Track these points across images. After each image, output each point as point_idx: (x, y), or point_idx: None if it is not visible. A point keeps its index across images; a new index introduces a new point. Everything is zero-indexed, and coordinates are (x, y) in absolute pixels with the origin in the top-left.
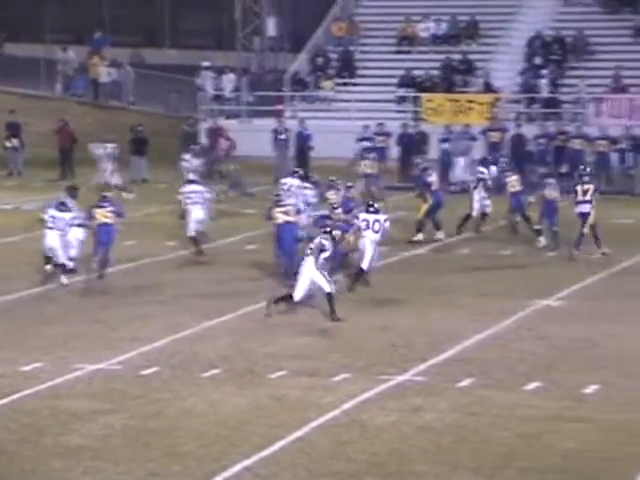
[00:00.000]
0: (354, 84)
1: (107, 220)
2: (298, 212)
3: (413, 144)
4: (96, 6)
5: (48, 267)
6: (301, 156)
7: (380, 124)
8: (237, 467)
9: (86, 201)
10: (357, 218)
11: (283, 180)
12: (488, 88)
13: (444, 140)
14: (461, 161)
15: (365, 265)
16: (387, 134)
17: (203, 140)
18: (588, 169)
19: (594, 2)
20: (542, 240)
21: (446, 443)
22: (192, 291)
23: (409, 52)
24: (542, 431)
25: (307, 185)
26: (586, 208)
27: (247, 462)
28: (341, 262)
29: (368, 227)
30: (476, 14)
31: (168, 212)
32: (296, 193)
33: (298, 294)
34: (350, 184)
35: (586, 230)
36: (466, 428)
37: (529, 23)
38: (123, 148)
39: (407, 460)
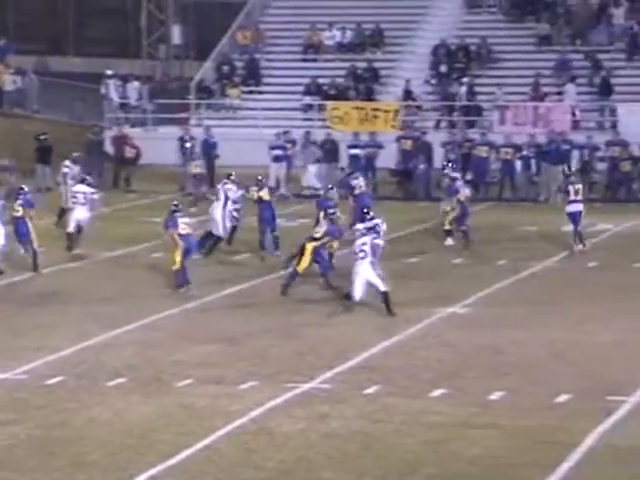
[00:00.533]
0: (260, 92)
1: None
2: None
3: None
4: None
5: None
6: (207, 164)
7: (286, 132)
8: (143, 476)
9: None
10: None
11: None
12: (408, 96)
13: (352, 147)
14: (312, 168)
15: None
16: (293, 142)
17: (109, 148)
18: (573, 168)
19: (498, 11)
20: (450, 241)
21: (352, 450)
22: (98, 299)
23: (315, 60)
24: (448, 438)
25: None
26: (578, 207)
27: (153, 471)
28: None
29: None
30: (381, 22)
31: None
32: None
33: (358, 294)
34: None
35: (579, 228)
36: (372, 435)
37: (434, 31)
38: (28, 156)
39: (314, 467)
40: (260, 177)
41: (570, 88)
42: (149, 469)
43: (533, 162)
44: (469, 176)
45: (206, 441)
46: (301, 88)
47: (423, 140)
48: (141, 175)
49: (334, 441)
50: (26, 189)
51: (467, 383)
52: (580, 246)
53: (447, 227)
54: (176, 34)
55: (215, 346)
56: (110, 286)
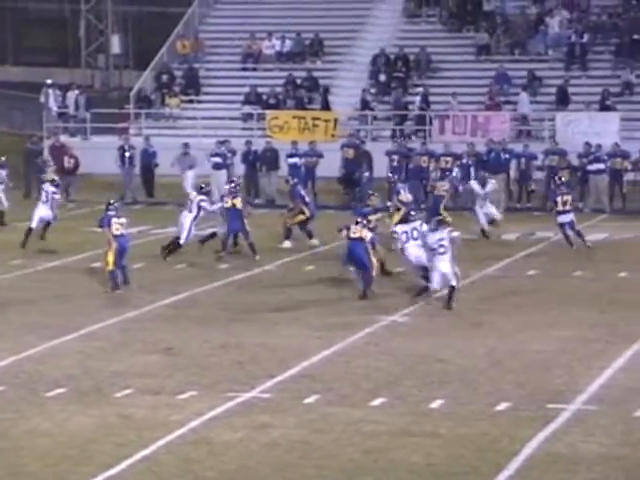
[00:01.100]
0: (199, 101)
1: None
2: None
3: (260, 161)
4: None
5: None
6: (147, 173)
7: (225, 141)
8: None
9: None
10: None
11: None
12: (365, 105)
13: (291, 155)
14: (189, 175)
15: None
16: (233, 151)
17: (46, 157)
18: (563, 179)
19: (437, 20)
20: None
21: (292, 460)
22: (37, 310)
23: (254, 69)
24: (388, 446)
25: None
26: (567, 218)
27: None
28: None
29: (408, 238)
30: (321, 32)
31: (10, 230)
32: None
33: (438, 285)
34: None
35: (577, 229)
36: (312, 444)
37: (373, 40)
38: None
39: (254, 477)
40: (234, 185)
41: (523, 97)
42: (89, 479)
43: (472, 171)
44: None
45: (146, 452)
46: (241, 97)
47: (363, 149)
48: (80, 185)
49: (274, 450)
50: None
51: (407, 392)
52: (588, 243)
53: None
54: (115, 44)
55: (154, 356)
56: (49, 296)
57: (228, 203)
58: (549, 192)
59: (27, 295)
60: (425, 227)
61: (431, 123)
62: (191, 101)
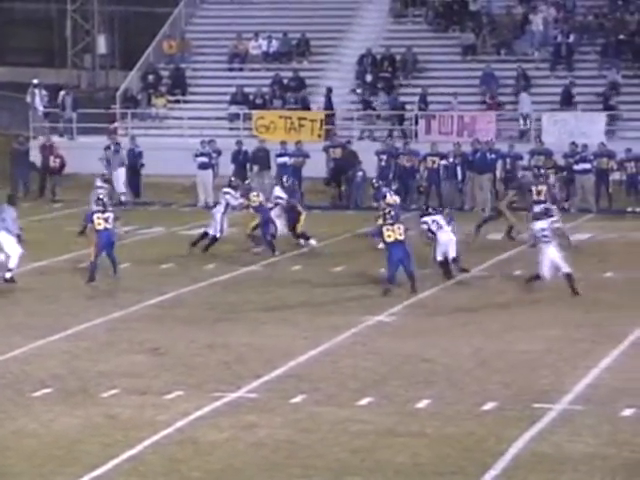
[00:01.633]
0: (186, 101)
1: None
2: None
3: (251, 161)
4: None
5: None
6: (133, 174)
7: (211, 141)
8: None
9: None
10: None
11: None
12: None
13: (280, 155)
14: (120, 173)
15: (454, 252)
16: (218, 151)
17: (35, 157)
18: (542, 170)
19: (423, 20)
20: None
21: (279, 459)
22: (22, 310)
23: (241, 69)
24: (374, 446)
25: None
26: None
27: None
28: None
29: (439, 226)
30: (307, 32)
31: None
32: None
33: (548, 274)
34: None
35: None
36: (299, 444)
37: (360, 40)
38: None
39: (241, 477)
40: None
41: (524, 97)
42: None
43: (459, 170)
44: (395, 185)
45: (132, 451)
46: (227, 97)
47: (349, 149)
48: (66, 185)
49: (261, 450)
50: None
51: (393, 391)
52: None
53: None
54: (102, 44)
55: (141, 356)
56: (35, 296)
57: (255, 202)
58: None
59: (12, 296)
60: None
61: (417, 123)
62: (177, 101)
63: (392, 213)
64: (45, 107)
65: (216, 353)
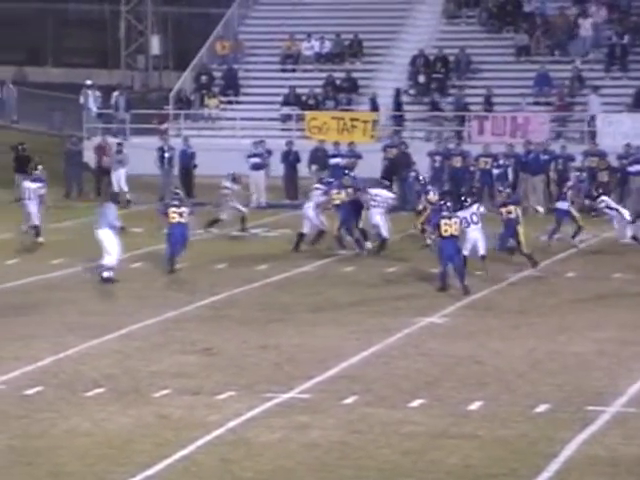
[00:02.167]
0: (238, 102)
1: None
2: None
3: (309, 160)
4: None
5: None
6: (185, 174)
7: (261, 141)
8: None
9: None
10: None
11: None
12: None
13: (333, 156)
14: (121, 172)
15: (483, 250)
16: (269, 152)
17: (89, 158)
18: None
19: (476, 21)
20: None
21: (331, 460)
22: (76, 310)
23: (293, 70)
24: (426, 448)
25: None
26: (564, 205)
27: None
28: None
29: (469, 223)
30: (360, 32)
31: (52, 230)
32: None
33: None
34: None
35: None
36: (351, 445)
37: (412, 42)
38: (6, 167)
39: (293, 477)
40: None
41: (593, 99)
42: (127, 479)
43: (510, 171)
44: (446, 186)
45: (184, 452)
46: (279, 98)
47: (403, 150)
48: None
49: (313, 451)
50: None
51: (446, 393)
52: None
53: (419, 228)
54: (155, 44)
55: (193, 356)
56: (88, 296)
57: (336, 200)
58: (589, 193)
59: (66, 295)
60: (482, 209)
61: (470, 124)
62: (230, 102)
63: (449, 205)
64: (98, 108)
65: (268, 354)
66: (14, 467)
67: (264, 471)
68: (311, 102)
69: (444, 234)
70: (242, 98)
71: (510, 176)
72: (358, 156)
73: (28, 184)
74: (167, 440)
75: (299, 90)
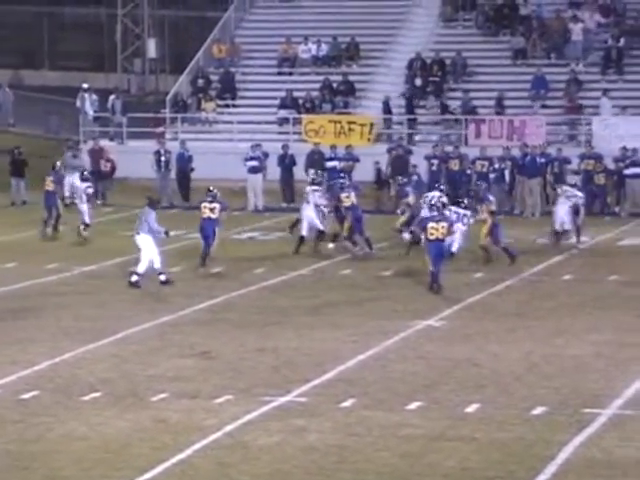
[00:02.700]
0: (235, 105)
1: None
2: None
3: (305, 163)
4: None
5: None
6: (182, 178)
7: (258, 145)
8: None
9: None
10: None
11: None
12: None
13: (330, 159)
14: (76, 176)
15: (455, 249)
16: (266, 155)
17: (85, 161)
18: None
19: (473, 24)
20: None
21: (329, 464)
22: (72, 314)
23: (290, 74)
24: (424, 451)
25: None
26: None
27: None
28: None
29: (459, 220)
30: (357, 36)
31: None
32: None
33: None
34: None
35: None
36: (348, 449)
37: (409, 45)
38: (2, 170)
39: None
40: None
41: (605, 102)
42: None
43: (507, 174)
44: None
45: (181, 455)
46: (276, 101)
47: (402, 154)
48: (116, 189)
49: (310, 454)
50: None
51: (443, 396)
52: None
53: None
54: (151, 48)
55: (190, 360)
56: (84, 300)
57: (346, 202)
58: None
59: (62, 299)
60: (472, 220)
61: (467, 127)
62: (227, 105)
63: (440, 206)
64: (95, 111)
65: (265, 357)
66: (10, 471)
67: (261, 475)
68: (308, 105)
69: (430, 237)
70: (239, 101)
71: (507, 179)
72: (356, 159)
73: (78, 183)
74: (164, 444)
75: (296, 93)
